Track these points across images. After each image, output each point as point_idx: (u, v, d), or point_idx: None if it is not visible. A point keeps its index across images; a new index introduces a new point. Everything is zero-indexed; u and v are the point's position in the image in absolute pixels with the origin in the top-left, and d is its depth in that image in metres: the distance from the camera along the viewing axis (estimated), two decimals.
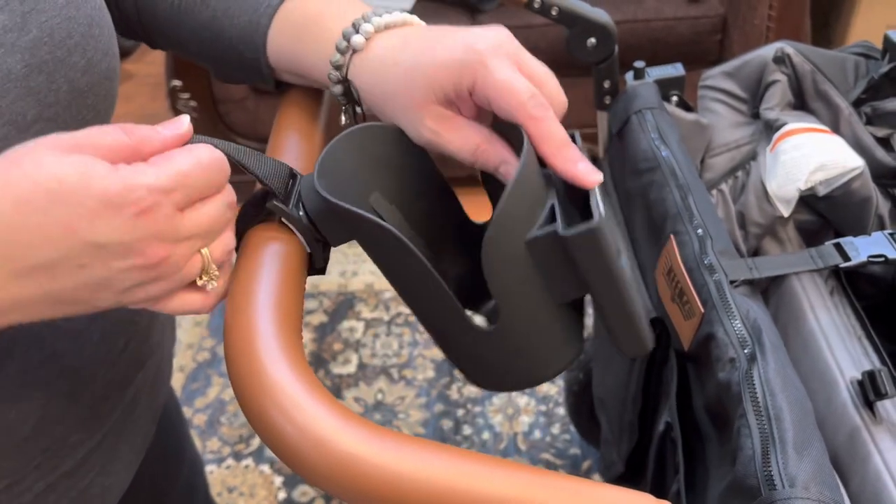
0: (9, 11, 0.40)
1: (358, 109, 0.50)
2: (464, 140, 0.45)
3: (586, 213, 0.41)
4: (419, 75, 0.44)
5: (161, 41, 0.58)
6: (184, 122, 0.40)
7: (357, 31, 0.47)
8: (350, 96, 0.49)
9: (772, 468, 0.49)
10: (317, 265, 0.44)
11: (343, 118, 0.51)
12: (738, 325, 0.60)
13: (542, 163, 0.44)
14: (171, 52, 0.60)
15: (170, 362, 0.69)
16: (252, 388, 0.33)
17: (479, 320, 0.42)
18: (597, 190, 0.41)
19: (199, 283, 0.40)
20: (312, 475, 0.31)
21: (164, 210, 0.36)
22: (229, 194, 0.42)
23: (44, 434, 0.50)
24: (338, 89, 0.48)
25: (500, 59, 0.44)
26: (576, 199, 0.43)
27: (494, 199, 0.48)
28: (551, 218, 0.40)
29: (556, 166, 0.43)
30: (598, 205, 0.40)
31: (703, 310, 0.64)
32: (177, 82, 1.96)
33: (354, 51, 0.47)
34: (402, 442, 0.31)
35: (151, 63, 2.82)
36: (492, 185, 0.48)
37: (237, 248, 0.43)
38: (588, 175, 0.42)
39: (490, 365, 0.43)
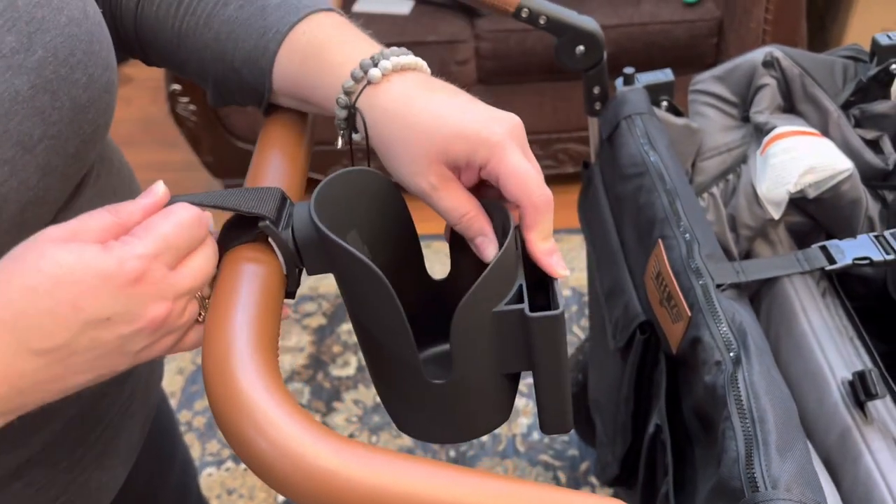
0: (16, 32, 0.41)
1: (355, 136, 0.51)
2: (457, 204, 0.48)
3: (541, 292, 0.47)
4: (437, 134, 0.46)
5: (157, 59, 0.59)
6: (158, 190, 0.43)
7: (375, 65, 0.49)
8: (350, 122, 0.50)
9: (755, 470, 0.50)
10: (290, 289, 0.46)
11: (339, 142, 0.52)
12: (724, 329, 0.61)
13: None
14: (166, 69, 0.61)
15: (161, 362, 0.70)
16: (226, 403, 0.34)
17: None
18: (558, 283, 0.46)
19: (200, 319, 0.44)
20: (288, 490, 0.31)
21: (156, 273, 0.40)
22: (212, 243, 0.45)
23: (44, 429, 0.52)
24: (342, 114, 0.50)
25: (515, 145, 0.47)
26: (534, 278, 0.48)
27: (455, 254, 0.52)
28: (518, 296, 0.44)
29: (535, 253, 0.47)
30: (559, 295, 0.44)
31: (690, 313, 0.65)
32: (176, 86, 1.97)
33: (369, 82, 0.49)
34: (377, 455, 0.31)
35: (151, 67, 2.82)
36: (457, 245, 0.51)
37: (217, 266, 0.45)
38: (558, 268, 0.47)
39: (427, 414, 0.47)
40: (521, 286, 0.45)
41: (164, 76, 2.00)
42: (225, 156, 2.12)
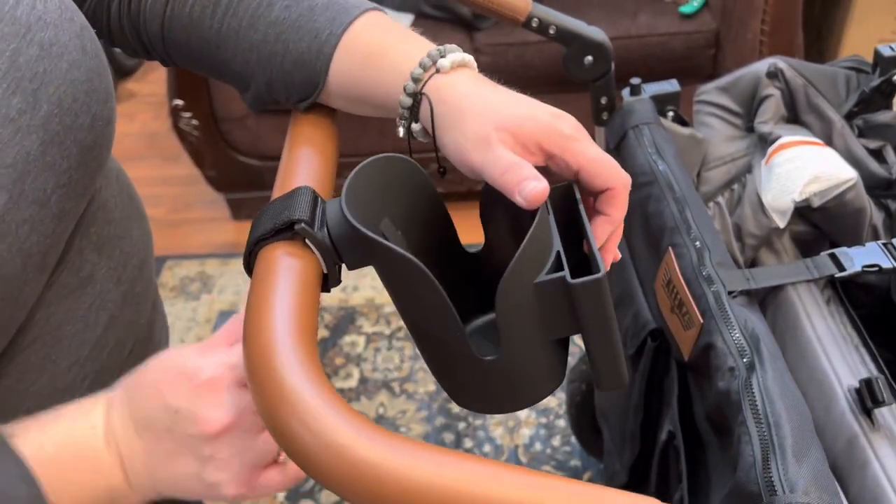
0: (21, 93, 0.41)
1: (415, 125, 0.52)
2: (509, 156, 0.48)
3: (578, 258, 0.47)
4: (510, 113, 0.48)
5: (184, 61, 0.59)
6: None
7: (442, 56, 0.50)
8: (414, 110, 0.51)
9: (772, 474, 0.50)
10: (332, 285, 0.47)
11: (400, 131, 0.53)
12: (737, 335, 0.62)
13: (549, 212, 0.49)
14: (193, 70, 0.61)
15: None
16: (270, 395, 0.34)
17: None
18: (595, 246, 0.46)
19: (280, 459, 0.46)
20: (330, 482, 0.32)
21: (226, 381, 0.43)
22: None
23: None
24: (406, 101, 0.50)
25: (587, 139, 0.49)
26: (571, 246, 0.48)
27: (488, 227, 0.52)
28: (557, 264, 0.44)
29: (614, 237, 0.50)
30: (598, 257, 0.44)
31: (702, 320, 0.65)
32: (178, 101, 1.97)
33: (438, 70, 0.50)
34: (418, 448, 0.32)
35: (153, 82, 2.83)
36: (488, 217, 0.52)
37: (251, 267, 0.45)
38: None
39: (482, 389, 0.47)
40: (558, 253, 0.45)
41: (167, 91, 2.00)
42: (227, 170, 2.12)
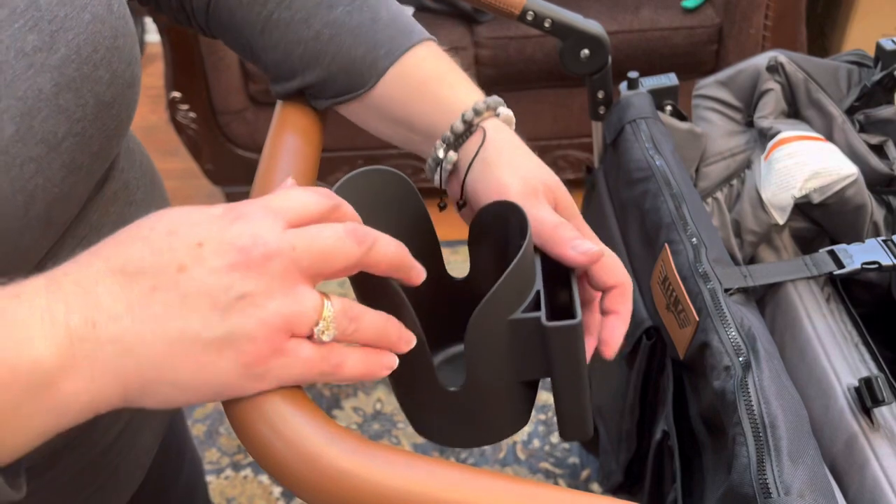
0: (38, 31, 0.41)
1: (451, 154, 0.53)
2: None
3: (559, 297, 0.47)
4: (555, 178, 0.52)
5: (223, 36, 0.59)
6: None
7: (501, 105, 0.53)
8: (460, 139, 0.52)
9: (767, 476, 0.49)
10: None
11: (440, 152, 0.53)
12: (733, 334, 0.61)
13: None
14: (228, 46, 0.60)
15: None
16: (241, 403, 0.33)
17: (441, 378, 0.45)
18: (576, 289, 0.46)
19: (316, 329, 0.37)
20: (303, 491, 0.31)
21: (258, 211, 0.37)
22: (346, 225, 0.39)
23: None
24: (459, 127, 0.52)
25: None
26: (553, 285, 0.48)
27: (474, 254, 0.52)
28: (535, 303, 0.44)
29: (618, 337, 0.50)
30: (578, 303, 0.44)
31: (697, 318, 0.64)
32: (176, 94, 1.97)
33: (497, 115, 0.53)
34: (392, 455, 0.31)
35: (151, 75, 2.83)
36: (476, 245, 0.51)
37: None
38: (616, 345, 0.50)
39: (441, 419, 0.46)
40: (538, 293, 0.44)
41: (165, 84, 1.99)
42: (225, 163, 2.11)
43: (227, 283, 0.34)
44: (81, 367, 0.33)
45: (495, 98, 0.53)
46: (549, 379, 0.45)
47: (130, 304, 0.34)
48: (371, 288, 0.42)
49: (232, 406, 0.34)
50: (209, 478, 1.62)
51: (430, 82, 0.54)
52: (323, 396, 1.75)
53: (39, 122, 0.41)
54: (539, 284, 0.45)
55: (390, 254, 0.39)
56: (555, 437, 1.63)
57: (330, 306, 0.37)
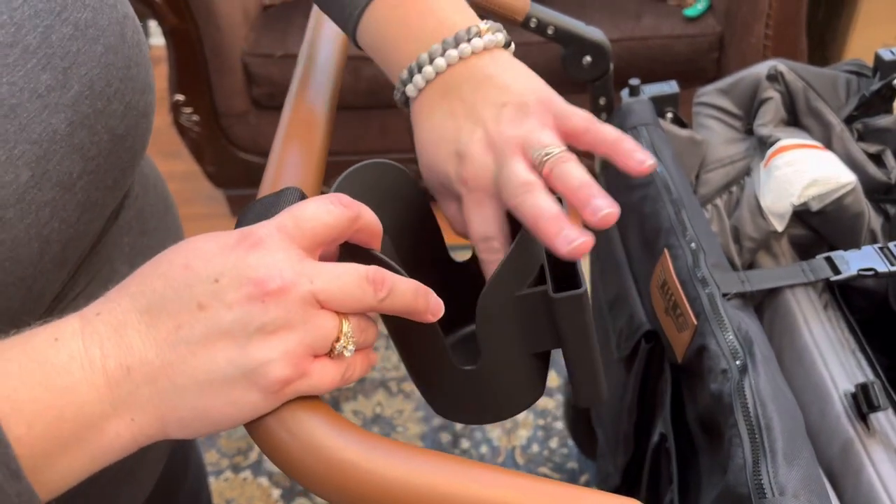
0: (51, 69, 0.40)
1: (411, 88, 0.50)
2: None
3: (565, 272, 0.46)
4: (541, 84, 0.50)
5: None
6: None
7: (468, 40, 0.49)
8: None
9: (762, 477, 0.50)
10: None
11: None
12: (731, 338, 0.61)
13: None
14: None
15: None
16: None
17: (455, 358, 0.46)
18: (580, 262, 0.45)
19: (337, 345, 0.38)
20: (311, 483, 0.32)
21: (275, 240, 0.37)
22: (367, 269, 0.39)
23: None
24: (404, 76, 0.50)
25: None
26: (557, 262, 0.48)
27: None
28: (540, 277, 0.44)
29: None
30: (581, 272, 0.44)
31: (696, 322, 0.65)
32: (180, 97, 1.98)
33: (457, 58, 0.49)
34: (396, 449, 0.32)
35: (155, 77, 2.82)
36: None
37: None
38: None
39: (460, 399, 0.47)
40: (542, 267, 0.45)
41: (168, 87, 2.00)
42: (227, 166, 2.12)
43: (247, 317, 0.35)
44: (121, 410, 0.34)
45: (453, 38, 0.48)
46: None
47: (158, 345, 0.35)
48: None
49: None
50: (209, 479, 1.62)
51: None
52: (323, 399, 1.75)
53: (55, 164, 0.40)
54: (543, 257, 0.45)
55: (406, 301, 0.40)
56: (553, 442, 1.63)
57: (347, 324, 0.38)
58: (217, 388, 0.35)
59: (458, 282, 0.51)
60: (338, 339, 0.38)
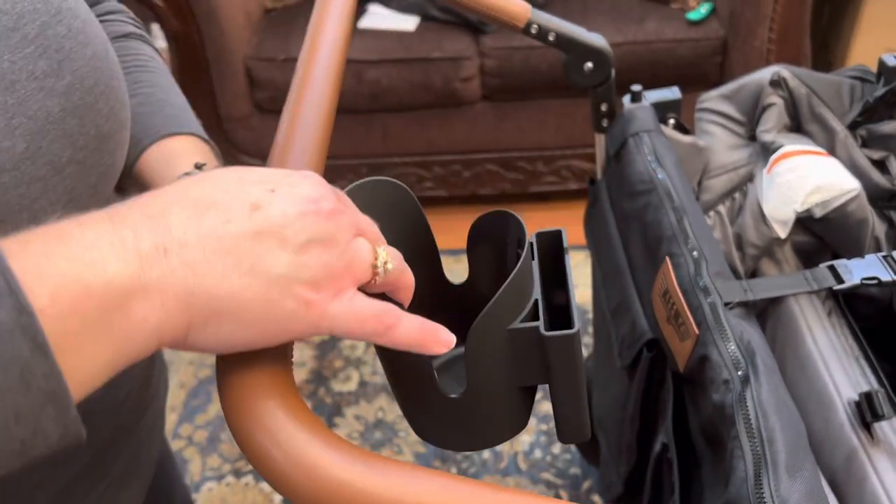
0: (47, 58, 0.42)
1: None
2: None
3: (560, 309, 0.47)
4: None
5: None
6: None
7: None
8: None
9: (763, 490, 0.50)
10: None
11: None
12: (732, 347, 0.61)
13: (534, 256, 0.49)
14: None
15: (163, 413, 0.70)
16: (240, 413, 0.33)
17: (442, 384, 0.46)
18: (574, 299, 0.45)
19: (378, 261, 0.40)
20: (302, 501, 0.31)
21: (327, 186, 0.39)
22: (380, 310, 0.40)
23: (53, 481, 0.51)
24: None
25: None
26: (551, 286, 0.48)
27: (473, 260, 0.52)
28: (534, 312, 0.44)
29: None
30: (575, 311, 0.44)
31: (697, 331, 0.64)
32: None
33: None
34: (392, 467, 0.31)
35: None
36: (474, 251, 0.52)
37: None
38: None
39: (441, 424, 0.47)
40: (536, 301, 0.45)
41: None
42: None
43: (298, 226, 0.36)
44: (152, 293, 0.32)
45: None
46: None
47: (201, 235, 0.34)
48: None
49: (231, 415, 0.34)
50: (210, 484, 1.62)
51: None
52: (325, 404, 1.75)
53: (48, 143, 0.42)
54: (537, 293, 0.45)
55: (411, 338, 0.41)
56: (556, 448, 1.63)
57: (382, 250, 0.41)
58: (257, 286, 0.34)
59: (451, 303, 0.51)
60: (375, 261, 0.40)
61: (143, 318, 0.32)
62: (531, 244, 0.47)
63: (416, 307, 0.43)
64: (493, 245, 0.50)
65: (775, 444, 0.53)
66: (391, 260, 0.41)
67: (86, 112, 0.44)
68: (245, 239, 0.34)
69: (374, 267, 0.40)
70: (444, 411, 0.45)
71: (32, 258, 0.30)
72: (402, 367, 0.45)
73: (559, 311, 0.46)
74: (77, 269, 0.31)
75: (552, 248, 0.49)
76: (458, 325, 0.45)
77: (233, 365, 0.36)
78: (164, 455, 0.77)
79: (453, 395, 0.44)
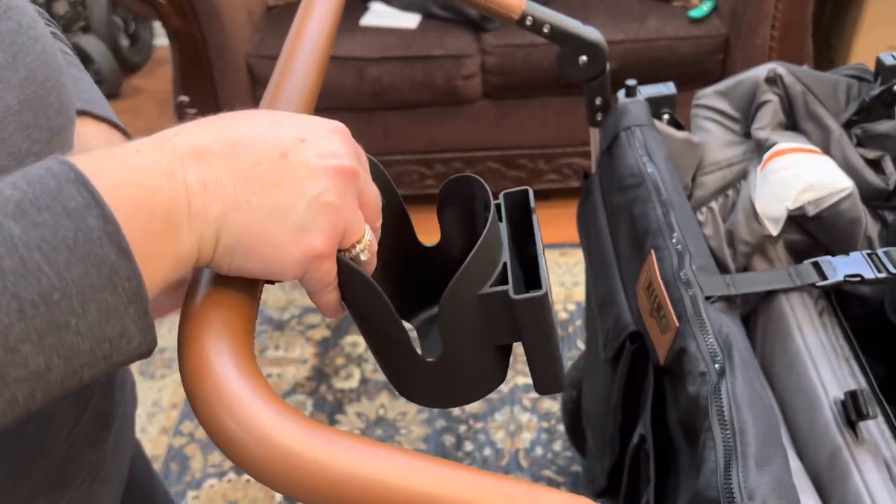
0: (2, 51, 0.43)
1: None
2: None
3: (530, 267, 0.48)
4: None
5: None
6: None
7: None
8: None
9: (732, 481, 0.50)
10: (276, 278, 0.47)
11: None
12: (711, 340, 0.61)
13: (503, 219, 0.51)
14: None
15: (132, 425, 0.69)
16: (197, 384, 0.34)
17: (418, 347, 0.48)
18: (543, 258, 0.47)
19: (359, 246, 0.43)
20: (256, 472, 0.32)
21: (355, 144, 0.43)
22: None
23: (16, 490, 0.51)
24: None
25: None
26: (522, 255, 0.50)
27: (443, 225, 0.54)
28: (503, 276, 0.46)
29: None
30: (544, 272, 0.46)
31: (678, 324, 0.64)
32: (184, 97, 1.98)
33: None
34: (346, 439, 0.32)
35: (159, 78, 2.85)
36: (444, 213, 0.53)
37: None
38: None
39: (424, 385, 0.49)
40: (505, 265, 0.46)
41: (172, 87, 2.01)
42: None
43: (319, 182, 0.40)
44: (195, 220, 0.37)
45: None
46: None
47: (234, 173, 0.38)
48: (345, 276, 0.44)
49: (189, 386, 0.35)
50: (212, 481, 1.62)
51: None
52: (326, 401, 1.75)
53: (8, 134, 0.42)
54: (506, 256, 0.46)
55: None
56: (557, 445, 1.63)
57: (369, 231, 0.44)
58: (271, 227, 0.39)
59: (425, 264, 0.52)
60: (360, 241, 0.43)
61: (188, 241, 0.37)
62: (497, 206, 0.49)
63: (394, 270, 0.46)
64: (462, 208, 0.51)
65: (746, 435, 0.53)
66: (367, 249, 0.44)
67: (39, 105, 0.45)
68: (269, 182, 0.39)
69: (354, 245, 0.43)
70: (424, 374, 0.47)
71: (107, 179, 0.34)
72: (383, 340, 0.47)
73: (531, 267, 0.47)
74: (143, 197, 0.35)
75: (521, 207, 0.51)
76: (435, 285, 0.47)
77: (190, 336, 0.36)
78: (140, 464, 0.76)
79: (430, 360, 0.46)
